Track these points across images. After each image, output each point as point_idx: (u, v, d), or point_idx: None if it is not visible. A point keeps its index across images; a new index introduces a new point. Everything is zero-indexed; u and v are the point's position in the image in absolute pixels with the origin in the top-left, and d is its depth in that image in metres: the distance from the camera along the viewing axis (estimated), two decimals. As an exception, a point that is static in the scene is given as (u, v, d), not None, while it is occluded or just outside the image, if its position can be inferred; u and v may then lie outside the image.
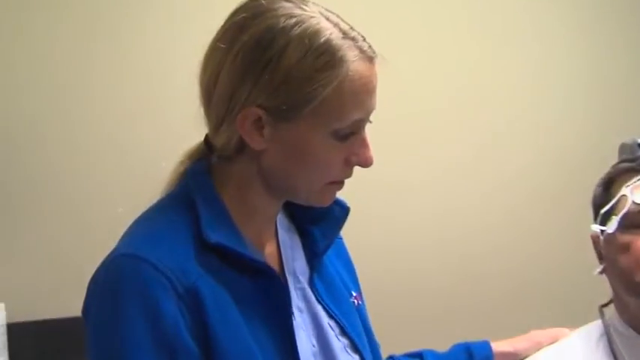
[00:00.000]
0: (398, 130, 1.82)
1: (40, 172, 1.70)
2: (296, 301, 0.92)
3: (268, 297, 0.85)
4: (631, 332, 1.03)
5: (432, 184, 1.86)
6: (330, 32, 0.82)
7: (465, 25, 1.92)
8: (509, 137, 1.92)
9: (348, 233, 1.04)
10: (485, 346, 1.15)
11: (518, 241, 1.82)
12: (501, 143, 1.91)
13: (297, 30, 0.81)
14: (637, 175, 1.03)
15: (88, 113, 1.72)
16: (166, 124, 1.71)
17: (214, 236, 0.83)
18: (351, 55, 0.82)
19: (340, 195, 0.93)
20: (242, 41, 0.82)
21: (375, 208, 1.77)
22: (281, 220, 0.97)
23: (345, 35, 0.83)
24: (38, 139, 1.70)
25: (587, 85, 1.97)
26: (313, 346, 0.90)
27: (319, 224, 0.97)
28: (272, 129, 0.84)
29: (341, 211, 0.98)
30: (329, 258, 1.01)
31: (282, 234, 0.96)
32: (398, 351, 1.18)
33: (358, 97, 0.83)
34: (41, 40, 1.68)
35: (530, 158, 1.88)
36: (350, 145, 0.85)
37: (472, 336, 1.18)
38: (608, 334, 1.05)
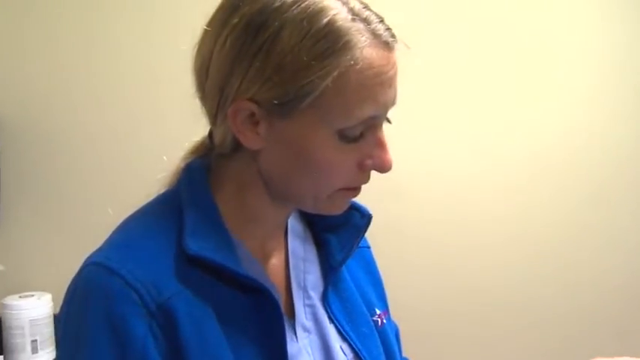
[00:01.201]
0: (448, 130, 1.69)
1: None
2: (302, 320, 0.81)
3: (260, 317, 0.74)
4: None
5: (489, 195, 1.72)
6: (335, 12, 0.69)
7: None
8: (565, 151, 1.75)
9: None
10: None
11: (575, 261, 1.67)
12: (556, 158, 1.74)
13: (294, 10, 0.68)
14: None
15: (82, 112, 1.69)
16: (164, 122, 1.66)
17: (196, 247, 0.72)
18: (359, 40, 0.68)
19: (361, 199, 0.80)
20: (231, 24, 0.70)
21: (404, 217, 1.65)
22: (294, 228, 0.86)
23: (356, 16, 0.70)
24: (36, 134, 1.67)
25: (618, 84, 1.77)
26: None
27: (337, 233, 0.86)
28: (267, 125, 0.72)
29: (362, 219, 0.86)
30: (350, 271, 0.89)
31: (294, 243, 0.85)
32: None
33: (369, 90, 0.69)
34: (39, 40, 1.66)
35: (587, 164, 1.71)
36: (363, 147, 0.72)
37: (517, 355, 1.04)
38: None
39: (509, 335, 1.55)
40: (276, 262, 0.82)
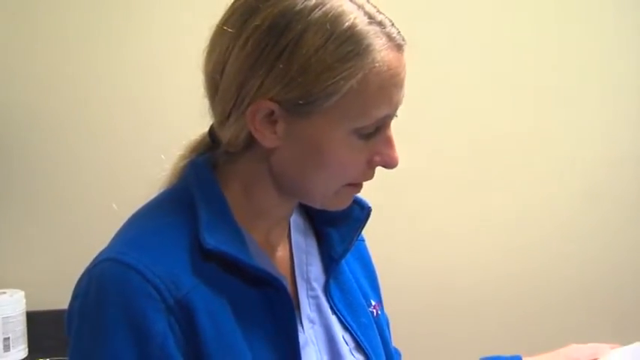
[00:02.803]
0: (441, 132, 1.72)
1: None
2: (307, 312, 0.84)
3: (273, 309, 0.77)
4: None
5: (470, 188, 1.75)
6: (354, 16, 0.72)
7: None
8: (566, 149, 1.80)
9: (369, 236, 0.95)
10: (517, 361, 1.05)
11: (564, 249, 1.71)
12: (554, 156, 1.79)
13: (317, 13, 0.71)
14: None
15: (84, 108, 1.68)
16: (165, 118, 1.66)
17: (213, 241, 0.74)
18: (378, 43, 0.72)
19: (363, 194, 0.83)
20: (253, 25, 0.72)
21: (401, 210, 1.68)
22: (295, 221, 0.88)
23: (372, 19, 0.73)
24: (38, 130, 1.66)
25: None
26: None
27: (337, 226, 0.88)
28: (286, 125, 0.74)
29: (361, 212, 0.89)
30: (348, 263, 0.92)
31: (296, 236, 0.88)
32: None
33: (386, 91, 0.73)
34: (39, 36, 1.64)
35: (583, 165, 1.75)
36: (374, 144, 0.76)
37: (508, 350, 1.09)
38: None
39: (494, 330, 1.59)
40: (281, 255, 0.84)
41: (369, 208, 0.88)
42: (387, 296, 0.97)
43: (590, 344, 1.06)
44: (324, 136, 0.73)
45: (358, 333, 0.85)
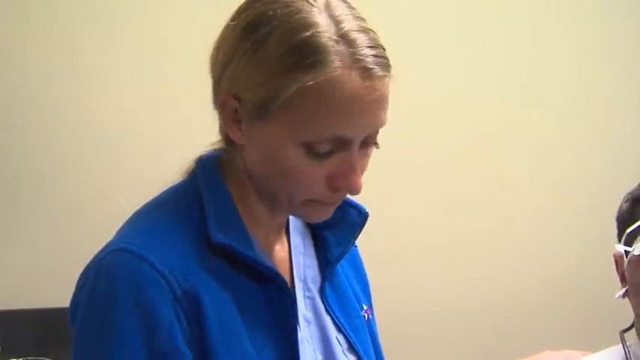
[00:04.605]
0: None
1: (39, 161, 1.66)
2: (304, 311, 0.86)
3: (274, 306, 0.79)
4: (652, 361, 0.97)
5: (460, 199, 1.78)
6: (321, 29, 0.72)
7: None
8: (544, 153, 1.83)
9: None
10: (495, 367, 1.09)
11: (535, 259, 1.74)
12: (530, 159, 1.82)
13: (286, 20, 0.73)
14: (668, 195, 0.96)
15: (90, 104, 1.69)
16: (170, 115, 1.67)
17: (221, 237, 0.76)
18: (335, 60, 0.71)
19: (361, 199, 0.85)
20: (238, 21, 0.76)
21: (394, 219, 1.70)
22: (294, 223, 0.90)
23: (341, 38, 0.72)
24: (38, 128, 1.66)
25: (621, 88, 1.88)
26: None
27: (334, 230, 0.90)
28: (247, 125, 0.77)
29: (359, 217, 0.91)
30: (342, 267, 0.94)
31: (295, 238, 0.90)
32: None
33: (336, 111, 0.72)
34: (45, 32, 1.64)
35: (556, 172, 1.79)
36: (334, 165, 0.75)
37: (481, 356, 1.12)
38: (628, 361, 0.99)
39: (470, 337, 1.61)
40: (279, 255, 0.86)
41: (366, 213, 0.91)
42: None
43: (563, 351, 1.10)
44: (274, 143, 0.75)
45: (351, 334, 0.88)
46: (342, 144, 0.74)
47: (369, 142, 0.77)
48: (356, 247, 1.00)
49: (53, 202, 1.67)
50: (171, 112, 1.65)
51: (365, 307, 0.95)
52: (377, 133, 0.77)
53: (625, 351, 1.00)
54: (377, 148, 0.79)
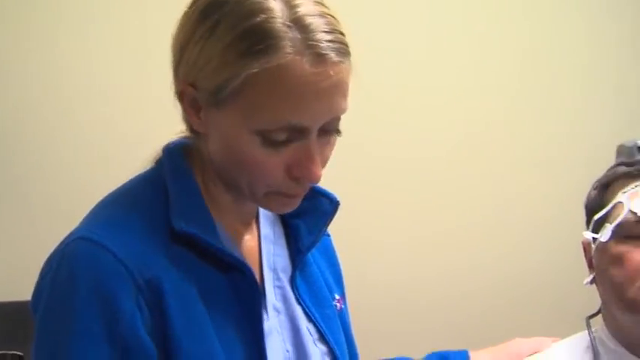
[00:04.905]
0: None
1: (19, 161, 1.65)
2: (273, 301, 0.85)
3: (240, 295, 0.78)
4: (618, 346, 0.98)
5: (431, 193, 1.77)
6: (273, 14, 0.70)
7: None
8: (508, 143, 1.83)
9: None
10: (464, 355, 1.09)
11: (505, 246, 1.75)
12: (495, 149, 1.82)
13: (239, 5, 0.71)
14: (635, 181, 0.97)
15: (71, 104, 1.64)
16: (150, 116, 1.63)
17: (184, 225, 0.75)
18: (285, 46, 0.69)
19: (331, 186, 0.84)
20: (194, 7, 0.75)
21: (368, 208, 1.69)
22: (265, 212, 0.89)
23: (296, 22, 0.70)
24: (18, 129, 1.63)
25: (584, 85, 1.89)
26: (287, 351, 0.84)
27: (305, 218, 0.89)
28: (206, 113, 0.75)
29: (330, 205, 0.90)
30: (313, 256, 0.93)
31: (265, 227, 0.89)
32: (374, 357, 1.12)
33: (288, 98, 0.70)
34: (31, 36, 1.61)
35: (517, 163, 1.80)
36: (291, 154, 0.73)
37: (456, 345, 1.13)
38: (594, 348, 1.00)
39: (443, 326, 1.63)
40: (248, 244, 0.85)
41: (337, 202, 0.90)
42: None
43: (533, 338, 1.11)
44: (230, 132, 0.74)
45: (322, 324, 0.87)
46: (298, 132, 0.73)
47: (328, 130, 0.75)
48: (329, 236, 0.99)
49: (31, 200, 1.65)
50: (152, 113, 1.62)
51: (337, 297, 0.94)
52: (337, 120, 0.76)
53: (590, 337, 1.01)
54: (339, 136, 0.78)
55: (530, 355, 1.08)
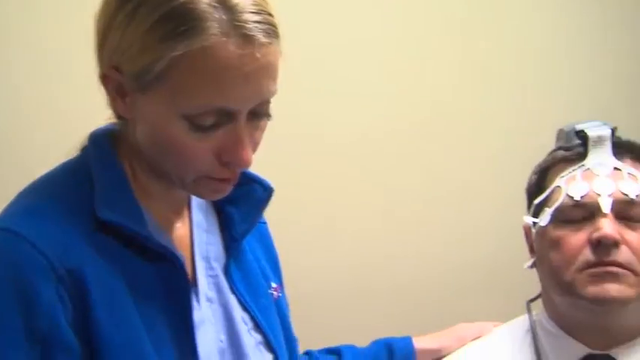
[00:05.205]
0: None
1: None
2: (206, 290, 0.83)
3: (169, 285, 0.76)
4: (557, 329, 0.99)
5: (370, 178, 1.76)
6: None
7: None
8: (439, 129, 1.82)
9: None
10: (407, 342, 1.09)
11: (449, 232, 1.76)
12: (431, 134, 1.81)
13: None
14: (572, 166, 0.97)
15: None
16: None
17: (108, 213, 0.73)
18: (210, 27, 0.68)
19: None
20: None
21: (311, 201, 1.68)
22: (197, 199, 0.87)
23: (222, 3, 0.68)
24: None
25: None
26: (221, 341, 0.82)
27: (239, 205, 0.88)
28: (132, 98, 0.73)
29: (264, 192, 0.89)
30: (249, 244, 0.92)
31: (197, 214, 0.87)
32: (318, 346, 1.11)
33: (214, 81, 0.69)
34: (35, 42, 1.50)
35: (457, 146, 1.80)
36: (220, 139, 0.72)
37: (399, 332, 1.12)
38: (533, 331, 1.01)
39: (387, 314, 1.62)
40: (180, 233, 0.83)
41: (271, 188, 0.89)
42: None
43: (476, 323, 1.12)
44: (157, 117, 0.72)
45: (257, 313, 0.86)
46: (226, 116, 0.71)
47: (258, 113, 0.74)
48: (265, 223, 0.98)
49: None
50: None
51: (274, 285, 0.93)
52: (267, 104, 0.74)
53: (530, 321, 1.01)
54: (269, 119, 0.76)
55: (473, 340, 1.09)
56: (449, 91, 1.75)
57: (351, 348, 1.10)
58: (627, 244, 0.91)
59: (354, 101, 1.68)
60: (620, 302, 0.90)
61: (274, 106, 0.76)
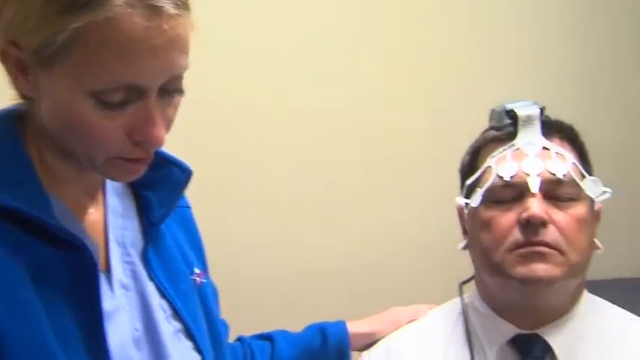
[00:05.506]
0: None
1: None
2: (120, 277, 0.80)
3: (77, 273, 0.72)
4: (488, 310, 0.98)
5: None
6: None
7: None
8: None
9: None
10: (341, 326, 1.08)
11: (383, 215, 1.75)
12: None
13: None
14: (503, 145, 0.96)
15: None
16: None
17: (8, 198, 0.69)
18: None
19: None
20: None
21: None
22: (113, 183, 0.83)
23: None
24: None
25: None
26: (136, 330, 0.79)
27: (157, 190, 0.85)
28: (34, 75, 0.69)
29: (182, 175, 0.86)
30: (170, 229, 0.89)
31: (112, 199, 0.83)
32: (251, 331, 1.09)
33: (125, 55, 0.65)
34: None
35: (391, 131, 1.78)
36: (130, 117, 0.69)
37: (333, 316, 1.11)
38: (464, 313, 1.00)
39: (319, 299, 1.62)
40: (93, 217, 0.80)
41: (190, 171, 0.86)
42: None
43: (411, 306, 1.11)
44: (61, 94, 0.68)
45: (176, 300, 0.83)
46: (135, 93, 0.68)
47: (169, 90, 0.71)
48: (189, 207, 0.95)
49: None
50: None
51: (197, 271, 0.90)
52: (179, 79, 0.71)
53: (462, 302, 1.01)
54: (182, 96, 0.73)
55: (407, 323, 1.07)
56: (381, 74, 1.75)
57: (284, 333, 1.08)
58: (555, 223, 0.91)
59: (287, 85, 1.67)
60: (546, 282, 0.89)
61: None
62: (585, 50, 1.90)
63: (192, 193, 0.92)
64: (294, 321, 1.11)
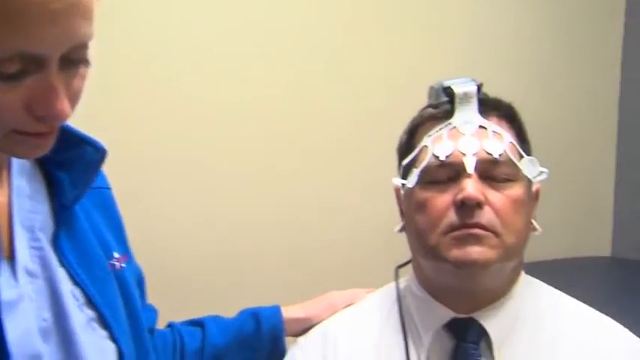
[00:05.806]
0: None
1: None
2: (26, 263, 0.74)
3: None
4: (425, 294, 0.96)
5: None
6: None
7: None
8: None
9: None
10: (275, 311, 1.04)
11: (323, 199, 1.73)
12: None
13: None
14: (440, 124, 0.93)
15: None
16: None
17: None
18: None
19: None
20: None
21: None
22: (19, 163, 0.77)
23: None
24: None
25: None
26: (44, 320, 0.74)
27: (70, 170, 0.79)
28: None
29: (96, 154, 0.80)
30: (86, 212, 0.83)
31: (19, 180, 0.77)
32: (184, 317, 1.05)
33: (21, 20, 0.60)
34: None
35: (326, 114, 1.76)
36: (30, 89, 0.63)
37: (269, 301, 1.07)
38: (399, 297, 0.97)
39: (255, 282, 1.60)
40: None
41: (104, 150, 0.80)
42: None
43: (349, 290, 1.08)
44: None
45: (90, 287, 0.78)
46: (34, 63, 0.62)
47: (73, 59, 0.65)
48: (109, 189, 0.90)
49: None
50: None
51: (117, 256, 0.85)
52: (83, 48, 0.66)
53: (397, 287, 0.98)
54: (88, 67, 0.67)
55: (344, 307, 1.04)
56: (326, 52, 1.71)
57: (216, 318, 1.04)
58: (491, 204, 0.88)
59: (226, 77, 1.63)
60: (481, 265, 0.87)
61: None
62: (539, 46, 1.90)
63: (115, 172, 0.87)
64: (229, 306, 1.07)
